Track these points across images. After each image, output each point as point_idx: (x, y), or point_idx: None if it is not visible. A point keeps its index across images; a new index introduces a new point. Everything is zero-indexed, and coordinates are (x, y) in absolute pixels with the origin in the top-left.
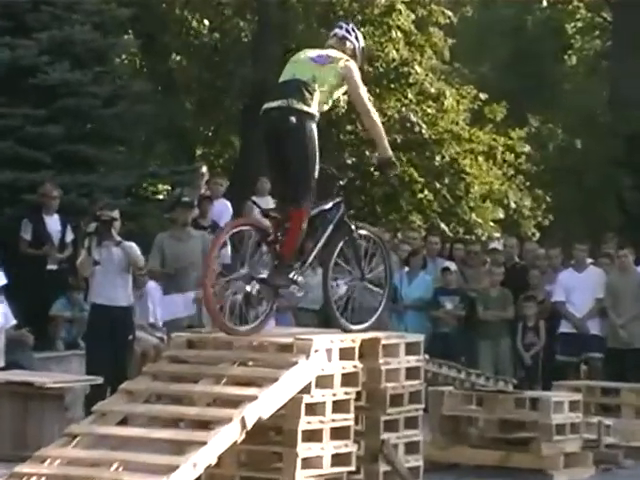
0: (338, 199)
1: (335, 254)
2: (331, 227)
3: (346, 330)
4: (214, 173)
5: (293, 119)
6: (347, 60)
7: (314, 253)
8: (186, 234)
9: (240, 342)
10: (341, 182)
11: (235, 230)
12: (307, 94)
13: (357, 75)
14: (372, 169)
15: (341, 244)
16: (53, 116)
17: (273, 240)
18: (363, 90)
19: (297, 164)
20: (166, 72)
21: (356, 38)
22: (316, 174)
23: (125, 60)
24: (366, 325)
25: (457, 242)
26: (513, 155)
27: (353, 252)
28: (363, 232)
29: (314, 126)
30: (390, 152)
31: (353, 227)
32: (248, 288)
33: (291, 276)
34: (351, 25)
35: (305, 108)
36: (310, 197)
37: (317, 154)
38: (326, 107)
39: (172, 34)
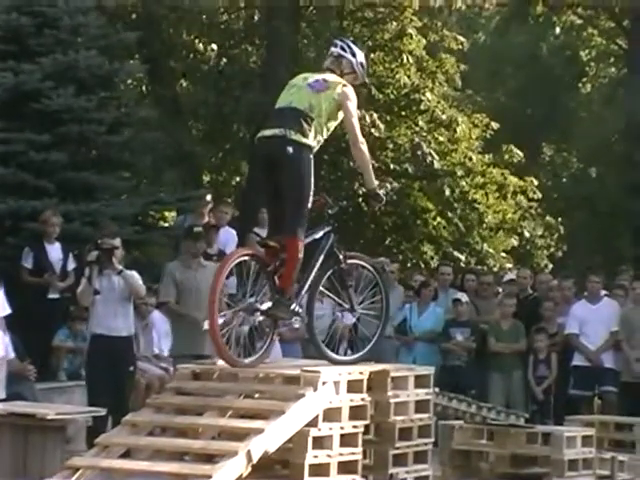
0: (328, 228)
1: (320, 284)
2: (322, 257)
3: (332, 361)
4: (220, 201)
5: (290, 150)
6: (344, 85)
7: (308, 282)
8: (196, 263)
9: (246, 374)
10: (330, 211)
11: (238, 260)
12: (305, 124)
13: (353, 102)
14: (360, 200)
15: (328, 274)
16: (57, 142)
17: (273, 270)
18: (356, 119)
19: (293, 195)
20: (173, 97)
21: (352, 54)
22: (310, 203)
23: (131, 85)
24: (355, 357)
25: (469, 273)
26: (524, 197)
27: (340, 283)
28: (354, 262)
29: (311, 157)
30: (375, 184)
31: (341, 257)
32: (252, 320)
33: (292, 308)
34: (346, 41)
35: (303, 140)
36: (304, 227)
37: (312, 185)
38: (323, 136)
39: (179, 59)
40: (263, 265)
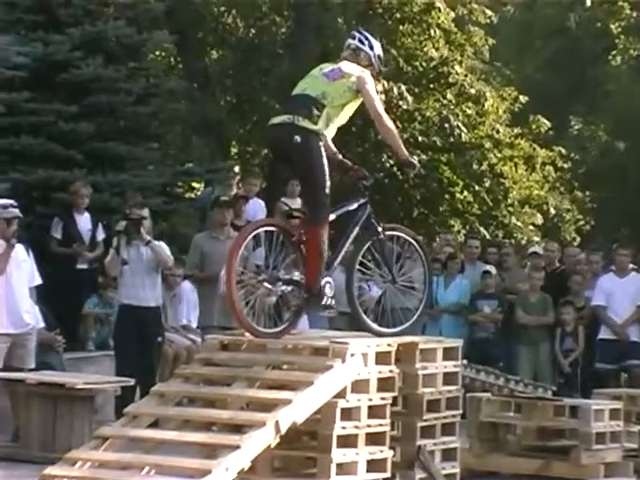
0: (363, 200)
1: (359, 256)
2: (357, 229)
3: (375, 333)
4: (248, 173)
5: (297, 138)
6: (362, 71)
7: (340, 256)
8: (225, 234)
9: (274, 345)
10: (365, 182)
11: (259, 230)
12: (315, 110)
13: (371, 85)
14: (395, 168)
15: (367, 245)
16: (85, 112)
17: (297, 240)
18: (377, 100)
19: (305, 183)
20: (201, 69)
21: (370, 47)
22: (327, 188)
23: (159, 56)
24: (400, 328)
25: (491, 246)
26: (552, 167)
27: (381, 254)
28: (394, 233)
29: (320, 144)
30: (406, 154)
31: (380, 229)
32: (277, 291)
33: (323, 303)
34: (364, 33)
35: (310, 126)
36: (324, 211)
37: (325, 169)
38: (336, 123)
39: (207, 30)
40: (287, 235)
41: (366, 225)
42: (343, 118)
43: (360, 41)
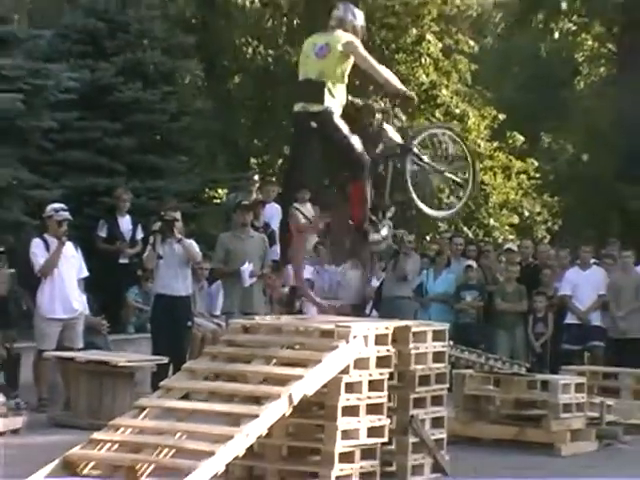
0: (383, 133)
1: (408, 178)
2: (389, 163)
3: (427, 214)
4: (266, 181)
5: (313, 123)
6: (347, 40)
7: (386, 195)
8: (246, 234)
9: (288, 328)
10: (379, 116)
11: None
12: (319, 91)
13: (359, 46)
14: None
15: (409, 166)
16: (127, 129)
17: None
18: (367, 55)
19: (337, 153)
20: (225, 92)
21: (353, 16)
22: (356, 147)
23: (189, 81)
24: (451, 212)
25: (470, 244)
26: (526, 176)
27: (422, 161)
28: (421, 136)
29: (333, 117)
30: (404, 87)
31: (409, 144)
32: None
33: (370, 238)
34: (348, 4)
35: (319, 108)
36: (364, 165)
37: (346, 134)
38: (340, 88)
39: (230, 59)
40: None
41: (394, 150)
42: (344, 80)
43: (344, 10)
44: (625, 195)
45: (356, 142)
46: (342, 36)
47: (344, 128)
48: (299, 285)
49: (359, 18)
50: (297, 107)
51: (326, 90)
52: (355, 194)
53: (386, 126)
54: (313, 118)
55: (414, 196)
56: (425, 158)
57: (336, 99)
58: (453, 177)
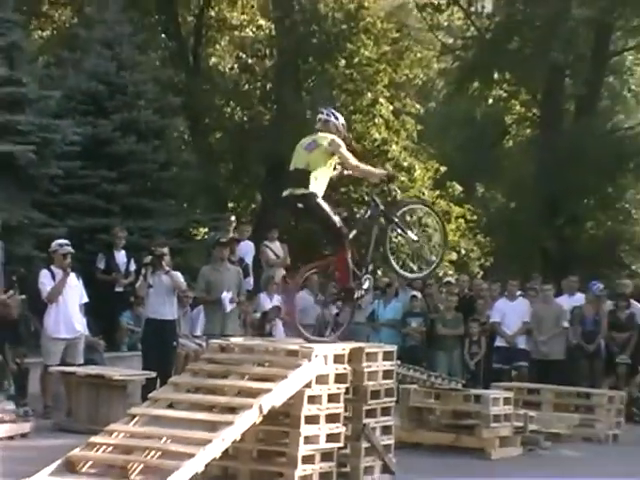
0: (370, 206)
1: (388, 246)
2: (374, 229)
3: (402, 277)
4: (240, 222)
5: (300, 205)
6: (332, 138)
7: (369, 256)
8: (223, 267)
9: (259, 348)
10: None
11: (307, 275)
12: (305, 179)
13: (341, 145)
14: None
15: (389, 234)
16: (122, 177)
17: (332, 270)
18: (349, 156)
19: (320, 227)
20: (207, 145)
21: (335, 118)
22: (337, 223)
23: (176, 136)
24: (422, 274)
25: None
26: (463, 219)
27: (403, 231)
28: (405, 209)
29: (317, 199)
30: (385, 172)
31: (392, 216)
32: (333, 309)
33: (355, 295)
34: (330, 109)
35: (305, 191)
36: (344, 239)
37: (329, 214)
38: (324, 178)
39: (211, 117)
40: (325, 270)
41: (379, 222)
42: (328, 173)
43: (327, 115)
44: (545, 237)
45: (337, 223)
46: (327, 136)
47: (326, 207)
48: (291, 319)
49: (340, 119)
50: (285, 192)
51: (312, 177)
52: (339, 262)
53: (375, 199)
54: (299, 200)
55: (391, 259)
56: (404, 228)
57: (319, 185)
58: (425, 246)
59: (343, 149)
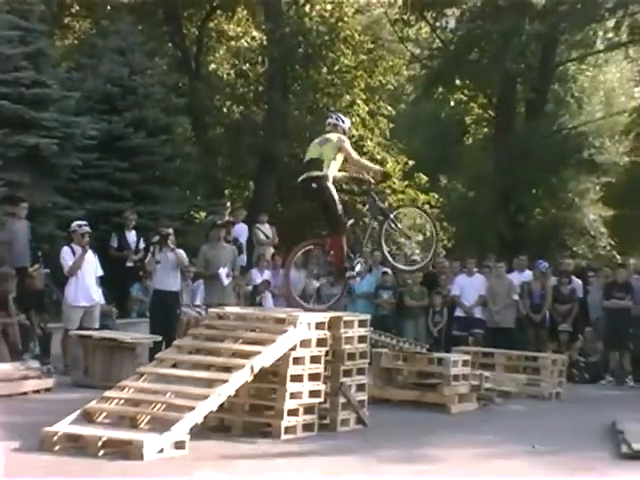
0: (368, 198)
1: (382, 237)
2: (372, 221)
3: (396, 269)
4: (235, 207)
5: (314, 185)
6: (339, 137)
7: (364, 243)
8: (220, 246)
9: (251, 316)
10: (364, 186)
11: (303, 250)
12: (318, 165)
13: (347, 143)
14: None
15: (385, 228)
16: (133, 167)
17: (327, 249)
18: (352, 150)
19: (326, 210)
20: (206, 140)
21: (342, 121)
22: (339, 210)
23: (180, 132)
24: (417, 267)
25: None
26: (428, 206)
27: (398, 228)
28: (400, 211)
29: (328, 183)
30: (380, 168)
31: (389, 212)
32: (316, 283)
33: (347, 275)
34: (337, 114)
35: (319, 173)
36: (342, 225)
37: (335, 198)
38: (333, 167)
39: (211, 115)
40: (321, 247)
41: (376, 214)
42: (336, 164)
43: (336, 119)
44: (499, 222)
45: (339, 210)
46: (336, 135)
47: (334, 193)
48: (287, 292)
49: (346, 122)
50: (302, 176)
51: (324, 165)
52: (334, 244)
53: (374, 195)
54: (313, 180)
55: (385, 250)
56: (399, 225)
57: (330, 172)
58: (415, 243)
59: (347, 144)
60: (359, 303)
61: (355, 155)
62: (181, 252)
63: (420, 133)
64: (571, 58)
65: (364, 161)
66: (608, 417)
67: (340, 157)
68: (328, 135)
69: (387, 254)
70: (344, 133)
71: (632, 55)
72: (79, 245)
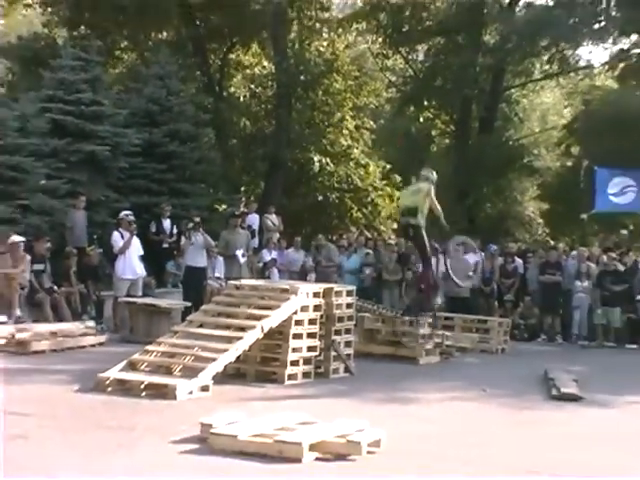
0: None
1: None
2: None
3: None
4: (249, 200)
5: (411, 230)
6: (429, 188)
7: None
8: (237, 232)
9: (262, 287)
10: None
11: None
12: (413, 213)
13: (432, 193)
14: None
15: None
16: (169, 169)
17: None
18: (434, 198)
19: (420, 251)
20: (227, 148)
21: (432, 174)
22: (429, 252)
23: (206, 141)
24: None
25: (369, 240)
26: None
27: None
28: (459, 240)
29: (423, 231)
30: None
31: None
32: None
33: (431, 304)
34: (429, 169)
35: (415, 222)
36: (429, 262)
37: (426, 242)
38: (425, 213)
39: (230, 128)
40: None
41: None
42: (426, 210)
43: (429, 173)
44: (457, 215)
45: (428, 249)
46: (426, 185)
47: (425, 238)
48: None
49: (434, 175)
50: (403, 220)
51: (419, 213)
52: (423, 277)
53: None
54: (411, 226)
55: (451, 273)
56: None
57: (423, 219)
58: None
59: (432, 194)
60: (347, 277)
61: (436, 202)
62: (208, 236)
63: (395, 143)
64: (515, 85)
65: (439, 207)
66: (542, 367)
67: (427, 204)
68: (421, 185)
69: (452, 275)
70: (432, 183)
71: (562, 83)
72: (126, 230)
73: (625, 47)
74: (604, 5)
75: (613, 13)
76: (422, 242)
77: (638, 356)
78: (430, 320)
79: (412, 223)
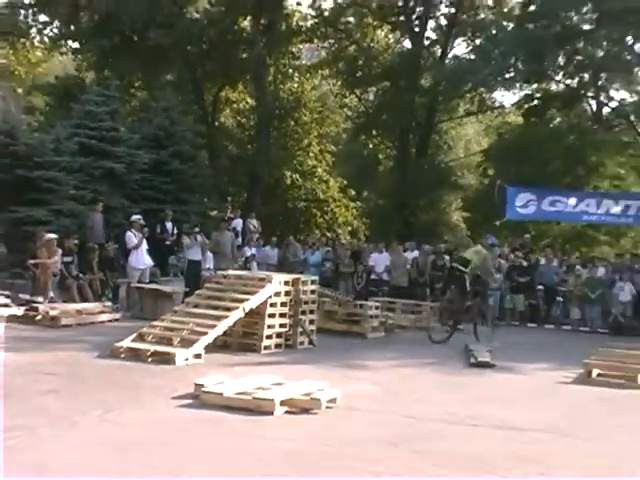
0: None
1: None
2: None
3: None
4: (234, 207)
5: (458, 274)
6: (486, 256)
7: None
8: (225, 233)
9: (244, 276)
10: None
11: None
12: (466, 265)
13: (489, 259)
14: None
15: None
16: (172, 182)
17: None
18: (489, 265)
19: (460, 292)
20: (217, 166)
21: (493, 240)
22: (469, 296)
23: (201, 160)
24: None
25: (329, 240)
26: (355, 210)
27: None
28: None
29: (466, 276)
30: (490, 279)
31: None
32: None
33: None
34: (493, 238)
35: (464, 270)
36: (468, 298)
37: (467, 285)
38: (474, 267)
39: (220, 151)
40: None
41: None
42: (477, 267)
43: (492, 240)
44: (398, 221)
45: (469, 294)
46: (486, 253)
47: (468, 284)
48: None
49: (493, 238)
50: (455, 264)
51: (470, 265)
52: (471, 309)
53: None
54: (459, 271)
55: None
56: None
57: (470, 272)
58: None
59: (489, 260)
60: (311, 270)
61: (490, 268)
62: (203, 236)
63: (351, 163)
64: (444, 119)
65: (492, 271)
66: (464, 341)
67: (480, 264)
68: (483, 252)
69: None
70: (491, 249)
71: (480, 119)
72: (138, 231)
73: (529, 92)
74: (512, 61)
75: (520, 66)
76: (464, 286)
77: (537, 333)
78: (490, 349)
79: (461, 269)
